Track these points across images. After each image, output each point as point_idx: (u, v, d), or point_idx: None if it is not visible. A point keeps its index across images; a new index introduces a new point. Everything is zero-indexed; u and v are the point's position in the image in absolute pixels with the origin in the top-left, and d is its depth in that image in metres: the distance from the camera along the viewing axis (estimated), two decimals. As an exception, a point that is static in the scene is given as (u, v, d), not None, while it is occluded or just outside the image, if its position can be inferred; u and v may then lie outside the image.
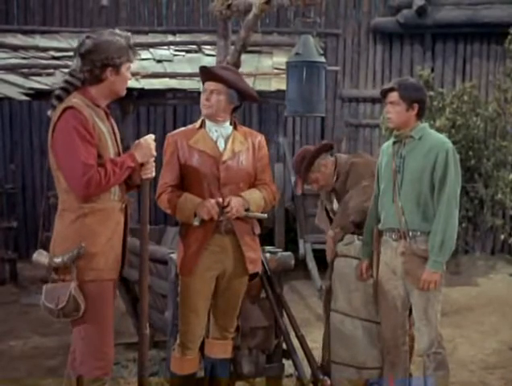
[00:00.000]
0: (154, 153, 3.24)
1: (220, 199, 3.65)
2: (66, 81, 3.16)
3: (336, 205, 4.47)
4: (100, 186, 3.02)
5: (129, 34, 3.19)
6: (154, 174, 3.28)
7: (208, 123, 3.80)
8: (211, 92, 3.72)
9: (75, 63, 3.17)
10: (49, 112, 3.15)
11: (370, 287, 4.15)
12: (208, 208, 3.61)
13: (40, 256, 3.11)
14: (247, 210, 3.71)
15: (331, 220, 4.50)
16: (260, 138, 3.90)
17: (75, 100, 3.08)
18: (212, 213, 3.61)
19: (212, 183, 3.70)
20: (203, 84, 3.80)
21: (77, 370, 3.15)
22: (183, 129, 3.96)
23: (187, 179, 3.75)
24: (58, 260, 3.03)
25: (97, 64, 3.09)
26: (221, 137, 3.78)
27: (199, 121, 3.85)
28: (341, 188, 4.39)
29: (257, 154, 3.84)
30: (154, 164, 3.27)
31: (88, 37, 3.13)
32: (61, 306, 3.02)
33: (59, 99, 3.12)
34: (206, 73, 3.78)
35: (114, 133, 3.23)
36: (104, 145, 3.10)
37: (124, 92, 3.25)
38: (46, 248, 3.22)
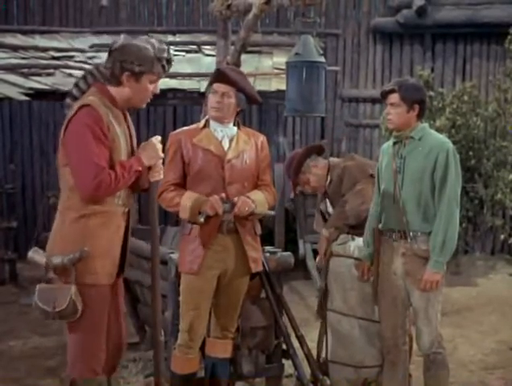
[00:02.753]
0: (162, 155, 3.20)
1: (223, 195, 3.66)
2: (90, 72, 3.11)
3: (330, 209, 4.47)
4: (109, 189, 2.97)
5: (165, 47, 3.08)
6: (162, 176, 3.24)
7: (212, 123, 3.81)
8: (222, 94, 3.73)
9: (105, 57, 3.08)
10: (67, 101, 3.08)
11: (366, 286, 4.16)
12: (212, 203, 3.63)
13: (36, 255, 3.04)
14: (252, 213, 3.74)
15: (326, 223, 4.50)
16: (262, 139, 3.93)
17: (92, 97, 3.01)
18: (215, 207, 3.62)
19: (217, 182, 3.72)
20: (211, 84, 3.80)
21: (69, 371, 3.12)
22: (186, 128, 3.97)
23: (191, 178, 3.75)
24: (57, 260, 2.96)
25: (116, 64, 3.01)
26: (226, 136, 3.80)
27: (202, 121, 3.87)
28: (336, 192, 4.39)
29: (260, 154, 3.86)
30: (162, 166, 3.23)
31: (124, 37, 3.05)
32: (59, 309, 2.96)
33: (81, 90, 3.07)
34: (219, 75, 3.78)
35: (130, 134, 3.19)
36: (117, 148, 3.04)
37: (142, 105, 3.17)
38: (43, 247, 3.19)
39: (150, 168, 3.16)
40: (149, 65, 3.02)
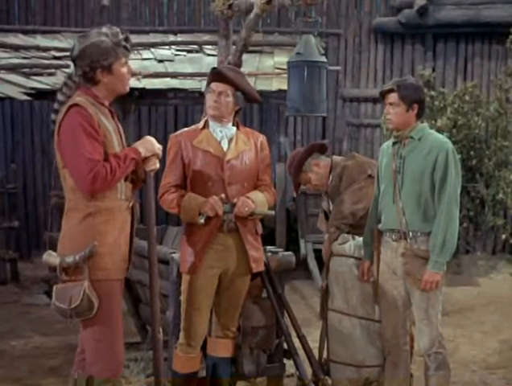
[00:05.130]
0: (157, 149, 3.22)
1: (223, 195, 3.67)
2: (65, 84, 3.18)
3: (332, 207, 4.48)
4: (106, 181, 3.00)
5: (117, 30, 3.15)
6: (158, 165, 3.26)
7: (211, 124, 3.81)
8: (219, 93, 3.74)
9: (72, 67, 3.18)
10: (53, 116, 3.16)
11: (367, 285, 4.16)
12: (212, 204, 3.64)
13: (50, 257, 3.10)
14: (252, 214, 3.74)
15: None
16: (262, 139, 3.93)
17: (79, 98, 3.09)
18: (215, 208, 3.63)
19: (216, 183, 3.72)
20: (208, 84, 3.81)
21: (87, 370, 3.15)
22: (186, 129, 3.98)
23: (191, 179, 3.76)
24: (69, 260, 3.02)
25: (86, 69, 3.09)
26: (226, 137, 3.80)
27: (202, 122, 3.87)
28: (335, 191, 4.39)
29: (259, 154, 3.87)
30: (157, 160, 3.25)
31: (78, 41, 3.12)
32: (74, 305, 3.00)
33: (61, 103, 3.13)
34: (216, 74, 3.78)
35: (119, 132, 3.23)
36: (109, 143, 3.09)
37: (126, 89, 3.23)
38: (50, 248, 3.21)
39: (144, 161, 3.20)
40: (113, 54, 3.10)
